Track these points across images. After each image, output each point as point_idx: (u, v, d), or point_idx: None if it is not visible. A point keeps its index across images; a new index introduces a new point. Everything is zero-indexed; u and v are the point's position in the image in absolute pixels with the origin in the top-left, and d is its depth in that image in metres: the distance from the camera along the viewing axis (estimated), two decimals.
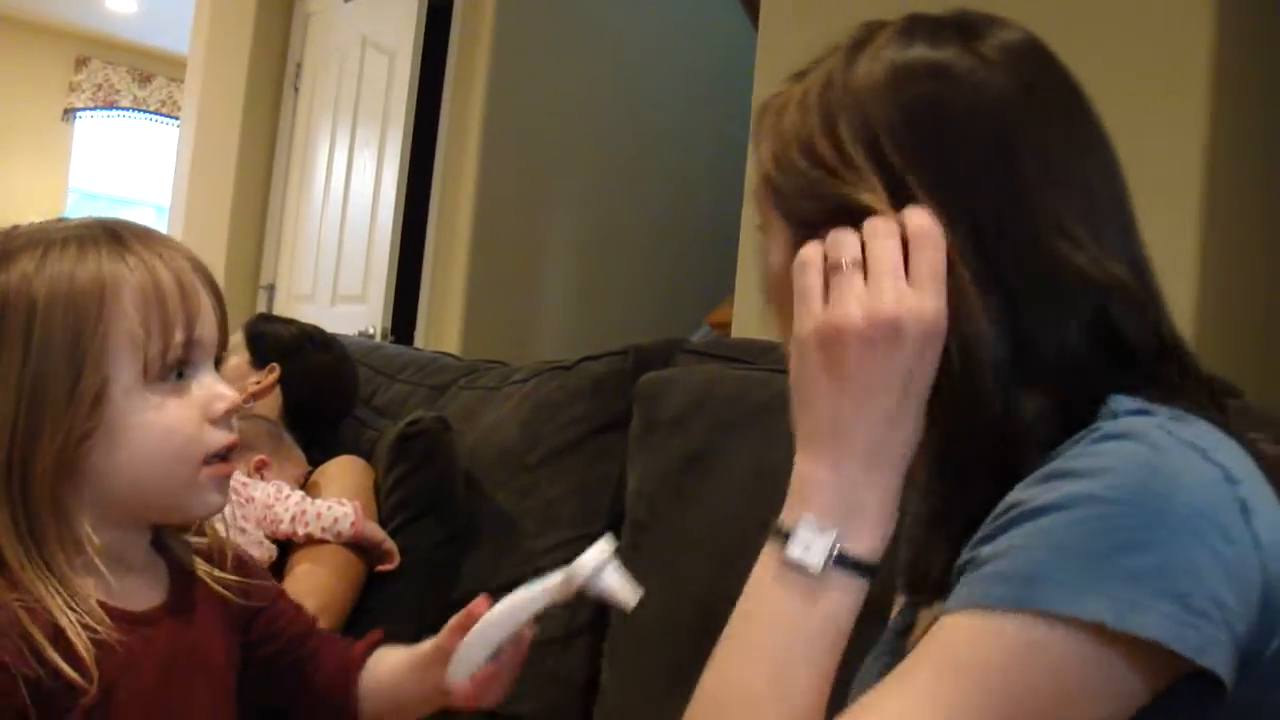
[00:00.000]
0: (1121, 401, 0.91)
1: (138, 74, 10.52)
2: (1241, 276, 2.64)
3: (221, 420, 1.12)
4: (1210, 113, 2.52)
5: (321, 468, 2.37)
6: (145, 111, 10.62)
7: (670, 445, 2.04)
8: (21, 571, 1.02)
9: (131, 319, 1.06)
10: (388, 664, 1.31)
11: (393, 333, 4.95)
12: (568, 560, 2.17)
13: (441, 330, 4.90)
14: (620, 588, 1.15)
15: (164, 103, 10.59)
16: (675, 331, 2.67)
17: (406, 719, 1.30)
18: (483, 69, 4.87)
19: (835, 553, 0.92)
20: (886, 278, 0.93)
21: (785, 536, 0.94)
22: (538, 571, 2.18)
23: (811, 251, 0.97)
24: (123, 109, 10.51)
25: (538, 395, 2.36)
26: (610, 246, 5.25)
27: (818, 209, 0.99)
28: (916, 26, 1.01)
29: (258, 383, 2.44)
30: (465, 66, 4.95)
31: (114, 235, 1.10)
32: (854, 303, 0.93)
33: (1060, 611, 0.79)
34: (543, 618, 2.17)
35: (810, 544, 0.93)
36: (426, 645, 1.27)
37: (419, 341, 4.89)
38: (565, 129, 5.13)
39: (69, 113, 10.29)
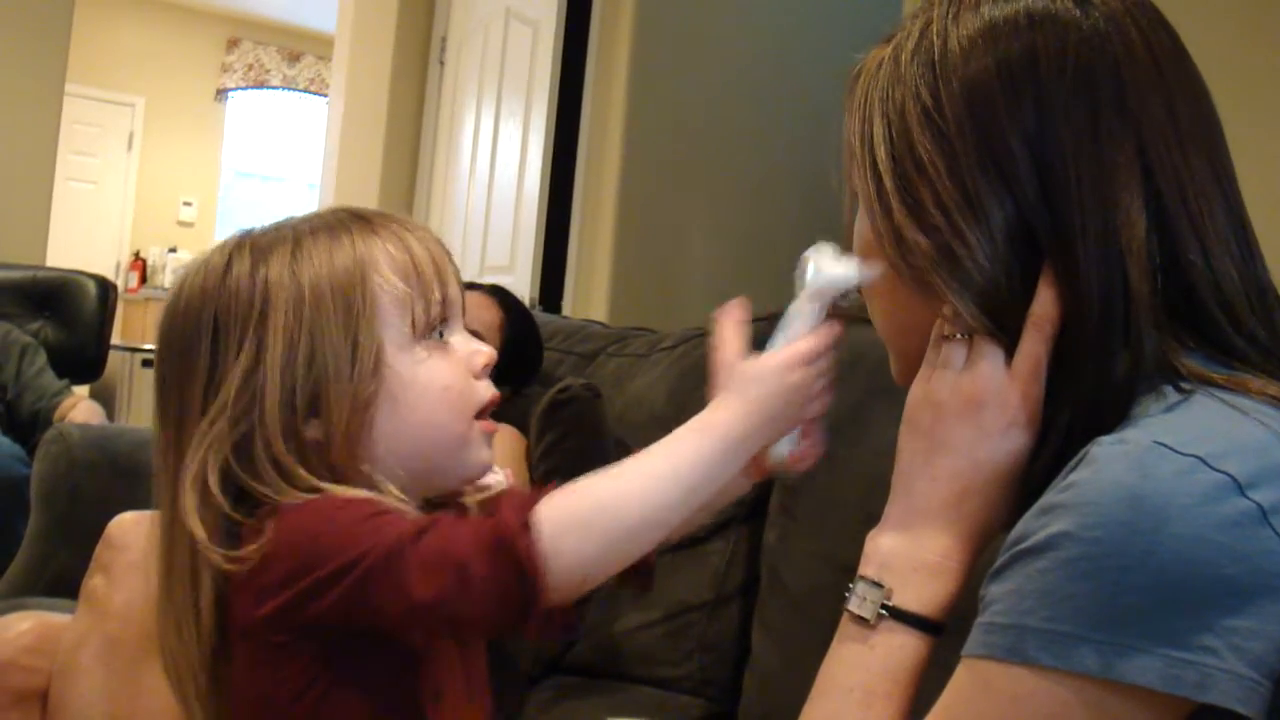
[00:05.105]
0: (1185, 359, 0.90)
1: (287, 53, 10.71)
2: None
3: (482, 373, 1.17)
4: None
5: None
6: (295, 90, 10.80)
7: None
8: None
9: (394, 283, 1.11)
10: None
11: (540, 302, 4.98)
12: (715, 526, 2.18)
13: (589, 298, 4.92)
14: (847, 273, 1.07)
15: (313, 80, 10.77)
16: None
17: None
18: (626, 36, 4.86)
19: (886, 605, 0.97)
20: (985, 359, 0.95)
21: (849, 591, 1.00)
22: (693, 541, 2.19)
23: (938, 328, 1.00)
24: (273, 87, 10.71)
25: (686, 361, 2.36)
26: (756, 213, 5.22)
27: (899, 202, 0.98)
28: None
29: None
30: (609, 34, 4.95)
31: (359, 216, 1.15)
32: (950, 374, 0.97)
33: (1047, 664, 0.79)
34: (692, 583, 2.17)
35: (866, 596, 0.98)
36: None
37: (566, 310, 4.91)
38: (710, 96, 5.10)
39: (221, 93, 10.51)
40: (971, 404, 0.95)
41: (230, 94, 10.55)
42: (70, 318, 4.35)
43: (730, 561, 2.16)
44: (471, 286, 2.57)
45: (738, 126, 5.18)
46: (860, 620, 0.98)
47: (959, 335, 0.97)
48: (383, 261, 1.11)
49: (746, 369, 1.09)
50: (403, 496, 1.09)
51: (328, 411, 1.07)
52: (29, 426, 3.61)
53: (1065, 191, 0.91)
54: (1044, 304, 0.92)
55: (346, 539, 0.98)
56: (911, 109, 0.97)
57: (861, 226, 1.04)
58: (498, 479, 2.12)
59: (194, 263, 1.15)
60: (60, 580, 2.37)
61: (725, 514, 2.20)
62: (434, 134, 5.90)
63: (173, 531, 1.09)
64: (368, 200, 5.89)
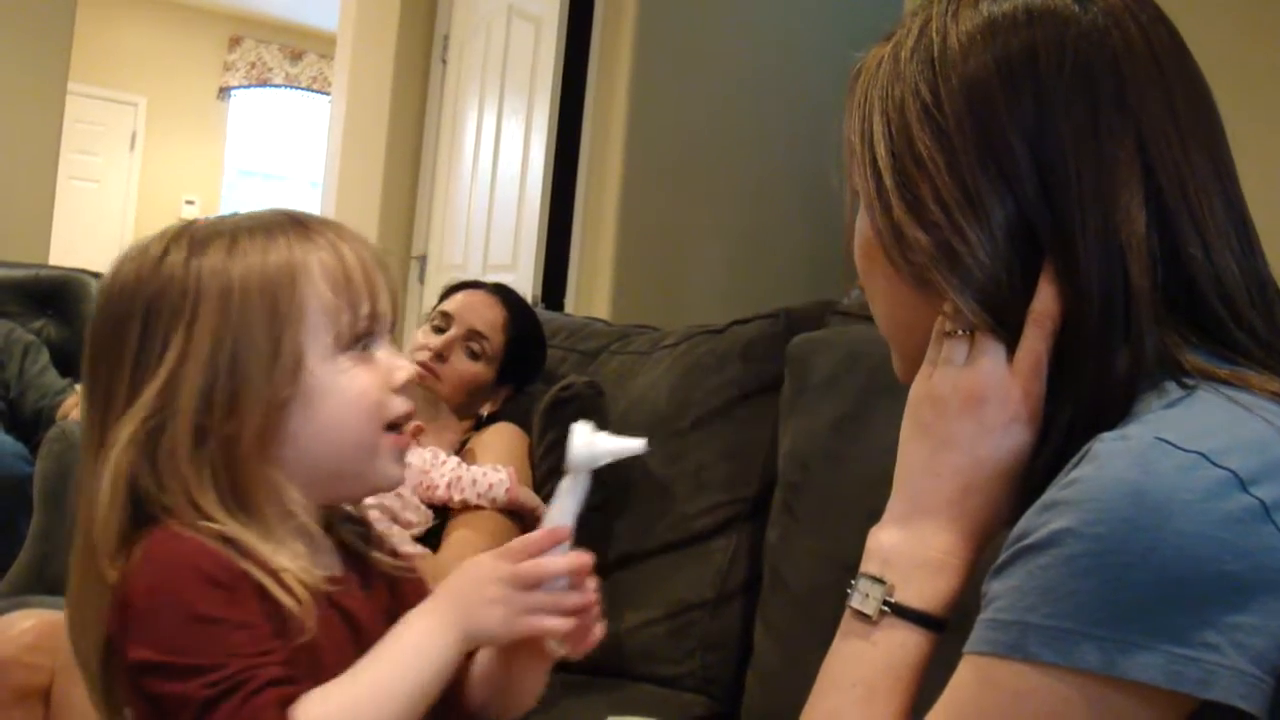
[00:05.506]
0: (1188, 355, 0.90)
1: (289, 51, 10.70)
2: None
3: (402, 389, 1.16)
4: None
5: (477, 434, 2.40)
6: (297, 88, 10.80)
7: (822, 407, 2.03)
8: (240, 534, 1.05)
9: (324, 292, 1.11)
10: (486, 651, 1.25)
11: (543, 300, 4.98)
12: (717, 525, 2.18)
13: (591, 296, 4.92)
14: (620, 444, 1.16)
15: (315, 79, 10.76)
16: (826, 294, 2.66)
17: (521, 699, 1.25)
18: (629, 33, 4.86)
19: (889, 602, 0.97)
20: (987, 355, 0.95)
21: (851, 588, 1.00)
22: (695, 539, 2.19)
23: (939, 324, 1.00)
24: (275, 86, 10.70)
25: (688, 359, 2.36)
26: (758, 211, 5.21)
27: (898, 199, 0.97)
28: None
29: None
30: (611, 31, 4.94)
31: (296, 221, 1.15)
32: (951, 371, 0.97)
33: (1049, 660, 0.79)
34: (694, 581, 2.17)
35: (868, 593, 0.98)
36: None
37: (569, 308, 4.91)
38: (712, 94, 5.10)
39: (224, 91, 10.51)
40: (973, 400, 0.95)
41: (233, 92, 10.55)
42: (73, 316, 4.34)
43: (732, 560, 2.17)
44: (475, 285, 2.58)
45: (739, 125, 5.18)
46: (862, 616, 0.98)
47: (960, 332, 0.97)
48: (315, 268, 1.11)
49: (459, 571, 1.12)
50: (303, 501, 1.10)
51: (241, 410, 1.07)
52: (31, 425, 3.61)
53: (1065, 188, 0.91)
54: (1044, 300, 0.92)
55: (179, 642, 0.99)
56: (911, 106, 0.96)
57: (862, 225, 1.04)
58: (500, 477, 2.13)
59: (133, 247, 1.16)
60: (63, 578, 2.37)
61: (727, 512, 2.21)
62: (436, 132, 5.90)
63: (92, 517, 1.08)
64: (371, 198, 5.90)
